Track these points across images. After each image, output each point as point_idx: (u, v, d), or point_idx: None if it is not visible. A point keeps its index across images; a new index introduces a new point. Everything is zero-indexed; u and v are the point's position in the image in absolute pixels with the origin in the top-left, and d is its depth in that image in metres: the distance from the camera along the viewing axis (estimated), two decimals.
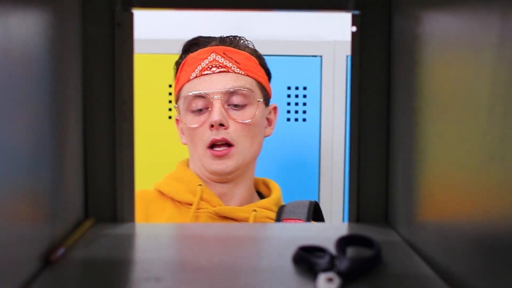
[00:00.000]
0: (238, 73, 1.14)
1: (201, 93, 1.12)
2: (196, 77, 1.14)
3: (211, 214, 1.13)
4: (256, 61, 1.18)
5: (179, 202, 1.17)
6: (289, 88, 1.67)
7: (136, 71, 0.70)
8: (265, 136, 1.21)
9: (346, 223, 0.72)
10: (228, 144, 1.12)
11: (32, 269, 0.51)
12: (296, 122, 1.69)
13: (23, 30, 0.49)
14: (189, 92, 1.14)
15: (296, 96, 1.70)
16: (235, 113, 1.13)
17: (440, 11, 0.53)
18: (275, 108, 1.25)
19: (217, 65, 1.13)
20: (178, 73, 1.20)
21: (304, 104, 1.71)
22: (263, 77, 1.19)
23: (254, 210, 1.14)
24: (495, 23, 0.40)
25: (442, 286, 0.49)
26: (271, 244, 0.63)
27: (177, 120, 1.24)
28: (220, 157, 1.12)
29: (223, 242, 0.65)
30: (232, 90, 1.12)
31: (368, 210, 0.71)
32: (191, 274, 0.52)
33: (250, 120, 1.13)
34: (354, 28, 0.69)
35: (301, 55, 1.69)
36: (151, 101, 1.71)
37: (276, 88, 1.67)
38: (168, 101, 1.73)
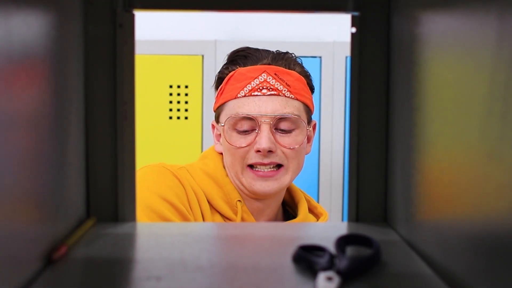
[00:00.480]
0: (288, 97, 1.11)
1: (250, 115, 1.10)
2: (245, 96, 1.11)
3: None
4: (305, 81, 1.16)
5: (214, 207, 1.13)
6: None
7: (137, 72, 0.70)
8: (305, 154, 1.19)
9: (345, 223, 0.72)
10: (277, 165, 1.11)
11: (34, 267, 0.51)
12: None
13: (25, 30, 0.49)
14: (237, 111, 1.11)
15: None
16: (282, 139, 1.11)
17: (439, 12, 0.53)
18: (314, 125, 1.22)
19: (268, 87, 1.10)
20: (222, 84, 1.15)
21: None
22: (309, 98, 1.17)
23: None
24: (492, 24, 0.40)
25: (441, 285, 0.49)
26: (271, 243, 0.63)
27: (213, 125, 1.21)
28: (265, 177, 1.10)
29: (223, 242, 0.65)
30: (281, 116, 1.10)
31: (367, 209, 0.71)
32: (192, 273, 0.52)
33: (297, 146, 1.12)
34: (353, 29, 0.69)
35: (301, 56, 1.69)
36: (152, 101, 1.71)
37: None
38: (168, 102, 1.73)
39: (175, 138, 1.73)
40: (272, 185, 1.11)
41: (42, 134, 0.53)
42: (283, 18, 1.77)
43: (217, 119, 1.18)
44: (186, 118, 1.73)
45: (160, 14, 1.73)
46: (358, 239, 0.59)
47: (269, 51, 1.16)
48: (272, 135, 1.10)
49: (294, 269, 0.53)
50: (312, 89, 1.20)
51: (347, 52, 0.69)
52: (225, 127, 1.13)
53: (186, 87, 1.73)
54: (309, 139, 1.19)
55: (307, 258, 0.53)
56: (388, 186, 0.70)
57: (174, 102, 1.73)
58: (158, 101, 1.72)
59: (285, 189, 1.18)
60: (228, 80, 1.14)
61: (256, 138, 1.09)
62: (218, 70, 1.20)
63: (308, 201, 1.22)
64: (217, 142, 1.19)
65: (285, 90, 1.11)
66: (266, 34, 1.73)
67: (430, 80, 0.55)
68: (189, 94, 1.72)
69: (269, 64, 1.13)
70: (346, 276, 0.49)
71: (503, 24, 0.39)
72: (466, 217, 0.46)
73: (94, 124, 0.68)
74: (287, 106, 1.11)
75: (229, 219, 1.12)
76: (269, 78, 1.11)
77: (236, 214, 1.11)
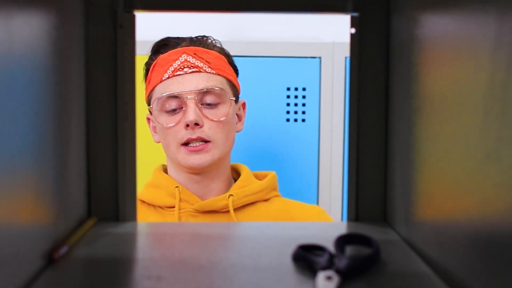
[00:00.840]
0: (210, 72, 1.16)
1: (175, 93, 1.14)
2: (168, 77, 1.15)
3: (191, 212, 1.15)
4: (225, 59, 1.20)
5: (160, 207, 1.19)
6: (288, 89, 1.67)
7: (137, 72, 0.70)
8: (237, 132, 1.23)
9: (345, 222, 0.72)
10: (204, 141, 1.14)
11: (35, 266, 0.51)
12: (296, 123, 1.69)
13: (27, 31, 0.49)
14: (163, 93, 1.15)
15: (296, 97, 1.70)
16: (209, 112, 1.15)
17: (437, 13, 0.53)
18: (244, 104, 1.27)
19: (189, 66, 1.15)
20: (149, 73, 1.20)
21: (304, 104, 1.71)
22: (232, 75, 1.21)
23: (231, 195, 1.16)
24: (491, 25, 0.40)
25: (439, 284, 0.49)
26: (271, 243, 0.63)
27: (148, 119, 1.25)
28: (196, 152, 1.14)
29: (223, 241, 0.65)
30: (205, 90, 1.14)
31: (367, 209, 0.71)
32: (192, 272, 0.52)
33: (224, 118, 1.15)
34: (353, 30, 0.69)
35: (301, 57, 1.69)
36: None
37: (276, 89, 1.68)
38: None
39: None
40: (205, 158, 1.14)
41: (43, 134, 0.53)
42: (283, 18, 1.77)
43: (149, 109, 1.21)
44: None
45: (160, 15, 1.73)
46: (358, 238, 0.59)
47: (187, 37, 1.21)
48: (199, 110, 1.14)
49: (293, 268, 0.53)
50: (235, 69, 1.24)
51: (347, 52, 0.69)
52: (155, 110, 1.17)
53: None
54: (239, 118, 1.25)
55: (307, 258, 0.53)
56: (387, 186, 0.70)
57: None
58: None
59: (223, 162, 1.20)
60: (152, 68, 1.19)
61: (184, 114, 1.13)
62: (144, 62, 1.24)
63: (255, 174, 1.26)
64: (154, 134, 1.24)
65: (205, 67, 1.15)
66: (265, 35, 1.73)
67: (429, 81, 0.55)
68: None
69: (187, 46, 1.18)
70: (345, 275, 0.49)
71: (501, 25, 0.39)
72: (465, 217, 0.46)
73: (95, 124, 0.68)
74: (210, 81, 1.15)
75: (172, 207, 1.17)
76: (189, 58, 1.15)
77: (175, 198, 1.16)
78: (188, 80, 1.14)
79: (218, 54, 1.19)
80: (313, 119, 1.71)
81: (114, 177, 0.69)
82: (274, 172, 1.27)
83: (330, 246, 0.55)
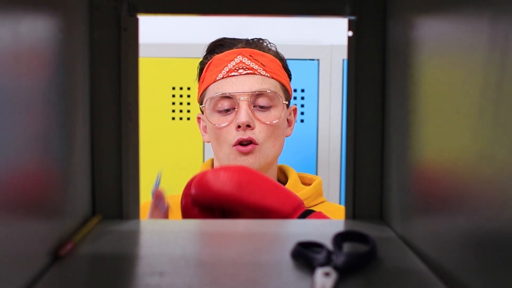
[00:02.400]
0: (264, 75, 1.13)
1: (228, 94, 1.12)
2: (223, 78, 1.13)
3: None
4: (280, 63, 1.18)
5: None
6: None
7: (141, 74, 0.70)
8: (286, 136, 1.21)
9: (342, 220, 0.72)
10: (254, 143, 1.12)
11: (41, 263, 0.51)
12: (295, 123, 1.69)
13: (33, 34, 0.49)
14: (216, 93, 1.13)
15: (294, 98, 1.70)
16: (261, 114, 1.13)
17: (433, 16, 0.53)
18: (295, 110, 1.25)
19: (244, 67, 1.13)
20: (203, 73, 1.18)
21: (302, 105, 1.71)
22: (286, 79, 1.19)
23: None
24: (485, 27, 0.40)
25: (434, 281, 0.50)
26: (271, 240, 0.63)
27: (198, 118, 1.23)
28: (245, 154, 1.12)
29: (224, 238, 0.65)
30: (258, 92, 1.12)
31: (364, 207, 0.71)
32: (194, 268, 0.52)
33: (276, 121, 1.13)
34: (350, 33, 0.69)
35: (299, 59, 1.69)
36: (155, 102, 1.71)
37: None
38: (171, 103, 1.73)
39: (177, 138, 1.73)
40: (253, 160, 1.13)
41: (49, 134, 0.53)
42: (283, 22, 1.77)
43: (201, 108, 1.19)
44: (188, 118, 1.73)
45: (163, 18, 1.73)
46: (355, 235, 0.59)
47: (244, 38, 1.19)
48: (251, 112, 1.12)
49: (292, 265, 0.53)
50: (288, 73, 1.22)
51: (344, 55, 0.69)
52: (207, 110, 1.16)
53: (188, 88, 1.73)
54: (289, 123, 1.23)
55: (305, 254, 0.53)
56: (384, 184, 0.70)
57: (177, 104, 1.73)
58: (161, 102, 1.72)
59: (270, 166, 1.18)
60: (207, 68, 1.17)
61: (236, 115, 1.12)
62: (199, 61, 1.23)
63: (301, 176, 1.25)
64: (204, 133, 1.22)
65: (260, 69, 1.14)
66: (266, 37, 1.73)
67: (424, 83, 0.55)
68: (191, 96, 1.73)
69: (243, 47, 1.16)
70: (343, 272, 0.49)
71: (494, 29, 0.39)
72: (459, 215, 0.46)
73: (100, 124, 0.68)
74: (263, 83, 1.13)
75: None
76: (245, 59, 1.14)
77: None
78: (242, 82, 1.12)
79: (273, 57, 1.17)
80: (311, 120, 1.71)
81: (118, 176, 0.69)
82: (320, 178, 1.25)
83: (328, 243, 0.55)
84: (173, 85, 1.72)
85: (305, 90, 1.70)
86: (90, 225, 0.64)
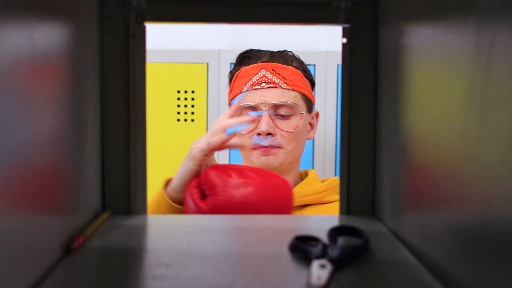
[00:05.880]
0: (285, 88, 1.18)
1: (251, 104, 1.17)
2: (247, 90, 1.19)
3: None
4: (301, 74, 1.22)
5: None
6: None
7: (148, 78, 0.70)
8: (308, 139, 1.26)
9: (337, 215, 0.72)
10: (275, 146, 1.17)
11: (54, 256, 0.51)
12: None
13: (47, 41, 0.49)
14: (242, 103, 1.19)
15: None
16: (281, 123, 1.18)
17: (422, 24, 0.53)
18: (317, 114, 1.29)
19: (266, 81, 1.18)
20: (232, 82, 1.24)
21: None
22: (307, 89, 1.23)
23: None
24: (470, 34, 0.41)
25: (423, 272, 0.50)
26: (270, 234, 0.63)
27: None
28: (267, 154, 1.16)
29: (227, 232, 0.65)
30: (278, 104, 1.17)
31: (357, 203, 0.71)
32: (198, 261, 0.52)
33: (294, 129, 1.18)
34: (344, 40, 0.69)
35: None
36: (161, 105, 1.71)
37: None
38: (176, 106, 1.73)
39: (182, 139, 1.73)
40: (274, 159, 1.17)
41: (61, 135, 0.53)
42: (281, 29, 1.76)
43: None
44: (192, 120, 1.73)
45: (169, 26, 1.73)
46: (349, 230, 0.59)
47: (269, 50, 1.24)
48: (272, 120, 1.17)
49: (290, 258, 0.53)
50: (312, 82, 1.26)
51: (339, 60, 0.69)
52: None
53: (193, 92, 1.73)
54: (312, 126, 1.28)
55: (302, 248, 0.53)
56: (376, 182, 0.70)
57: (182, 106, 1.73)
58: (167, 105, 1.72)
59: (291, 167, 1.21)
60: (235, 79, 1.23)
61: (258, 124, 1.17)
62: (229, 71, 1.29)
63: (323, 181, 1.27)
64: None
65: (281, 83, 1.18)
66: (265, 44, 1.73)
67: (414, 86, 0.55)
68: (195, 99, 1.73)
69: (267, 61, 1.21)
70: (337, 264, 0.49)
71: (480, 35, 0.39)
72: (446, 210, 0.46)
73: (109, 125, 0.69)
74: (283, 96, 1.18)
75: None
76: (267, 73, 1.19)
77: None
78: (264, 94, 1.18)
79: (295, 69, 1.21)
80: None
81: (127, 174, 0.69)
82: (337, 177, 1.26)
83: (324, 237, 0.55)
84: (178, 89, 1.72)
85: None
86: (100, 220, 0.64)
